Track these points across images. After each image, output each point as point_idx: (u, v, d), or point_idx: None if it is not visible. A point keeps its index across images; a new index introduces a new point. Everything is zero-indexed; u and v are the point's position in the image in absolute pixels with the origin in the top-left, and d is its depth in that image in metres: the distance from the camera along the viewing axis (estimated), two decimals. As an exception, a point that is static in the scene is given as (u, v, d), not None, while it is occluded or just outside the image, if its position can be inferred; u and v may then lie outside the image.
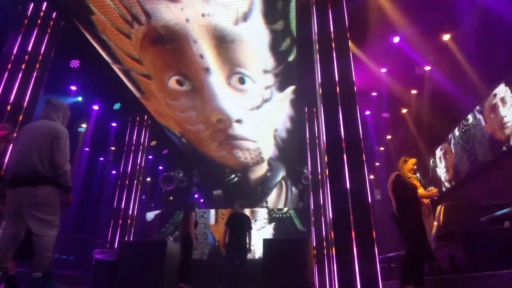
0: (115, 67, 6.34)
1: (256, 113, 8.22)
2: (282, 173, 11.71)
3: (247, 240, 6.41)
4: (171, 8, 5.31)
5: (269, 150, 10.05)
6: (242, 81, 7.11)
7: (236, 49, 6.20)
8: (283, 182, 11.96)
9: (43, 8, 6.32)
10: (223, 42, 6.04)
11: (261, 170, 11.31)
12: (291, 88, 7.27)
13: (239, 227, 6.30)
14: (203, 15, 5.42)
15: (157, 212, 13.64)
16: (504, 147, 5.08)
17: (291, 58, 6.58)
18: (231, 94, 7.57)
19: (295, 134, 8.96)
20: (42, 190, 2.93)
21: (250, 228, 6.49)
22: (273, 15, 5.39)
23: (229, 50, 6.22)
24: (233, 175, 11.82)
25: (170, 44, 6.03)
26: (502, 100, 5.02)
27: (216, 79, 7.02)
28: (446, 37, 7.10)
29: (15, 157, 3.08)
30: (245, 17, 5.46)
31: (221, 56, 6.43)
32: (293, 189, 11.76)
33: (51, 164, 3.01)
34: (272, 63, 6.59)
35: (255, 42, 6.01)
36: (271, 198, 12.76)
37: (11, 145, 3.38)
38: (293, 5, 5.48)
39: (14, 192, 2.94)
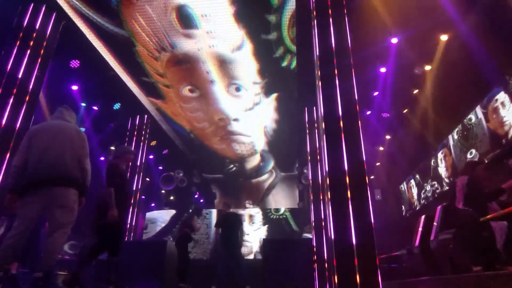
0: (144, 79, 8.66)
1: (249, 113, 10.05)
2: (272, 163, 13.22)
3: (239, 239, 6.42)
4: (188, 41, 7.49)
5: (260, 143, 11.82)
6: (237, 89, 9.07)
7: (233, 67, 8.26)
8: (273, 170, 13.65)
9: (43, 8, 6.33)
10: (223, 63, 8.12)
11: (255, 160, 12.94)
12: (275, 95, 9.36)
13: (230, 227, 6.32)
14: (210, 46, 7.57)
15: (156, 212, 13.70)
16: (503, 140, 5.74)
17: (284, 64, 8.13)
18: (229, 99, 9.45)
19: (282, 131, 10.87)
20: (72, 192, 2.94)
21: (241, 225, 6.51)
22: (262, 40, 7.34)
23: (228, 68, 8.28)
24: (232, 165, 13.30)
25: (186, 64, 8.13)
26: (502, 103, 5.80)
27: (218, 88, 8.99)
28: (444, 37, 7.11)
29: (46, 156, 2.94)
30: (239, 48, 7.60)
31: (222, 72, 8.45)
32: (282, 174, 13.67)
33: (79, 166, 3.04)
34: (259, 77, 8.64)
35: (246, 63, 8.14)
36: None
37: (29, 142, 3.04)
38: (286, 17, 6.89)
39: (43, 192, 2.84)
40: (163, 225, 13.44)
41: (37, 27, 6.21)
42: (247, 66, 8.15)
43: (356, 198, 3.91)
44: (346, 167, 4.08)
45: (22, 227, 2.82)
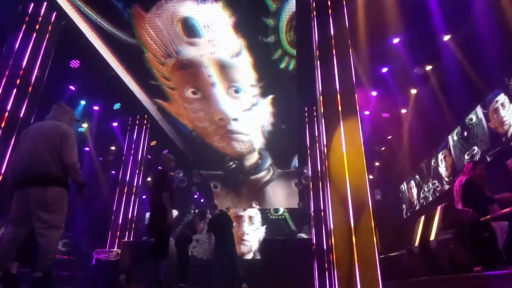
0: (150, 82, 9.37)
1: (247, 113, 10.67)
2: (269, 161, 13.76)
3: (233, 237, 6.42)
4: (192, 48, 8.17)
5: (258, 142, 12.39)
6: (236, 91, 9.72)
7: (232, 72, 8.92)
8: (270, 167, 14.19)
9: (43, 8, 6.32)
10: (223, 68, 8.81)
11: (253, 158, 13.45)
12: (271, 96, 9.98)
13: (222, 228, 6.28)
14: (211, 52, 8.28)
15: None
16: (503, 138, 6.04)
17: (282, 65, 8.67)
18: (229, 100, 10.07)
19: (278, 129, 11.49)
20: (51, 190, 2.85)
21: (231, 222, 6.55)
22: (257, 45, 8.04)
23: (227, 72, 8.95)
24: (231, 162, 13.76)
25: (189, 69, 8.79)
26: (502, 104, 6.09)
27: (219, 90, 9.64)
28: (446, 37, 7.12)
29: (24, 157, 2.92)
30: (237, 54, 8.29)
31: (222, 76, 9.11)
32: (279, 171, 14.26)
33: (61, 164, 2.93)
34: (256, 80, 9.28)
35: (244, 68, 8.77)
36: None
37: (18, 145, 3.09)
38: (283, 21, 7.45)
39: (23, 193, 2.83)
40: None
41: (37, 26, 6.21)
42: (245, 70, 8.84)
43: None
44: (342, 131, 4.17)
45: (14, 228, 2.81)
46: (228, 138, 12.02)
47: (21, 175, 2.87)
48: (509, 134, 5.90)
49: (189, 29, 7.56)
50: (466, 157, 7.27)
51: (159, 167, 4.75)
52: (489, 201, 3.88)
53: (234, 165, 13.77)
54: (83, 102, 9.60)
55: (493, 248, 3.56)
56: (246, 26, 7.51)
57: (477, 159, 6.69)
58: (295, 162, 13.42)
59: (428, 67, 7.97)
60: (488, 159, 6.36)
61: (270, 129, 11.53)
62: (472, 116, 7.01)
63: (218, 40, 7.83)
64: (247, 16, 7.24)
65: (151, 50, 8.18)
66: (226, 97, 9.92)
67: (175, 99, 10.04)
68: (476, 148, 6.93)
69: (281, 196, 14.42)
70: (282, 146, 12.30)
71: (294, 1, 7.00)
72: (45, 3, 6.36)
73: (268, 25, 7.50)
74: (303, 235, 10.17)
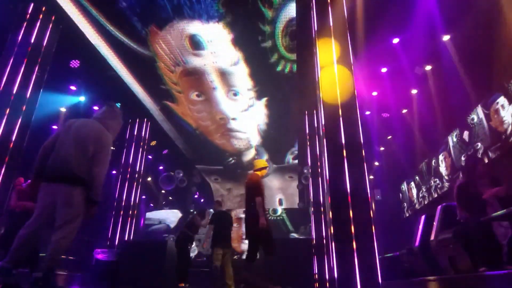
0: (162, 87, 10.48)
1: (245, 113, 11.74)
2: (265, 157, 14.48)
3: (230, 236, 6.37)
4: (197, 58, 9.37)
5: (255, 139, 13.39)
6: (235, 94, 10.83)
7: (231, 78, 10.11)
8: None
9: (43, 10, 6.32)
10: (224, 74, 10.00)
11: (250, 154, 14.39)
12: (265, 98, 11.09)
13: (221, 224, 6.25)
14: (213, 62, 9.50)
15: (163, 212, 13.90)
16: (503, 136, 6.28)
17: (279, 69, 9.61)
18: (228, 102, 11.17)
19: (272, 128, 12.52)
20: (77, 190, 2.81)
21: (231, 224, 6.67)
22: (254, 53, 9.13)
23: (227, 78, 10.13)
24: (231, 158, 14.71)
25: (194, 75, 9.99)
26: (502, 106, 6.41)
27: (220, 93, 10.76)
28: (446, 37, 7.10)
29: (61, 153, 2.87)
30: (235, 63, 9.47)
31: (222, 81, 10.25)
32: (274, 166, 15.10)
33: (88, 170, 2.85)
34: (252, 85, 10.40)
35: (241, 75, 9.96)
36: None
37: (60, 134, 3.01)
38: (279, 27, 8.30)
39: (54, 187, 2.78)
40: (171, 225, 13.71)
41: (36, 29, 6.20)
42: (242, 76, 10.03)
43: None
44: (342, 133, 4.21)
45: (39, 219, 2.72)
46: (228, 136, 12.96)
47: (56, 170, 2.81)
48: (508, 132, 6.18)
49: (195, 43, 8.83)
50: (463, 158, 7.53)
51: (251, 171, 4.92)
52: (484, 206, 3.85)
53: (233, 161, 14.63)
54: (82, 98, 9.68)
55: (493, 248, 3.55)
56: (243, 40, 8.65)
57: (480, 154, 6.82)
58: (288, 157, 14.46)
59: (428, 67, 7.96)
60: (491, 155, 6.53)
61: (265, 128, 12.42)
62: (474, 116, 7.19)
63: (219, 52, 9.11)
64: (244, 27, 8.24)
65: (163, 60, 9.40)
66: (226, 100, 10.94)
67: (182, 101, 11.21)
68: (479, 144, 7.08)
69: (276, 188, 15.35)
70: (277, 143, 13.21)
71: (290, 9, 7.73)
72: (44, 7, 6.37)
73: (265, 32, 8.36)
74: (295, 235, 10.37)
